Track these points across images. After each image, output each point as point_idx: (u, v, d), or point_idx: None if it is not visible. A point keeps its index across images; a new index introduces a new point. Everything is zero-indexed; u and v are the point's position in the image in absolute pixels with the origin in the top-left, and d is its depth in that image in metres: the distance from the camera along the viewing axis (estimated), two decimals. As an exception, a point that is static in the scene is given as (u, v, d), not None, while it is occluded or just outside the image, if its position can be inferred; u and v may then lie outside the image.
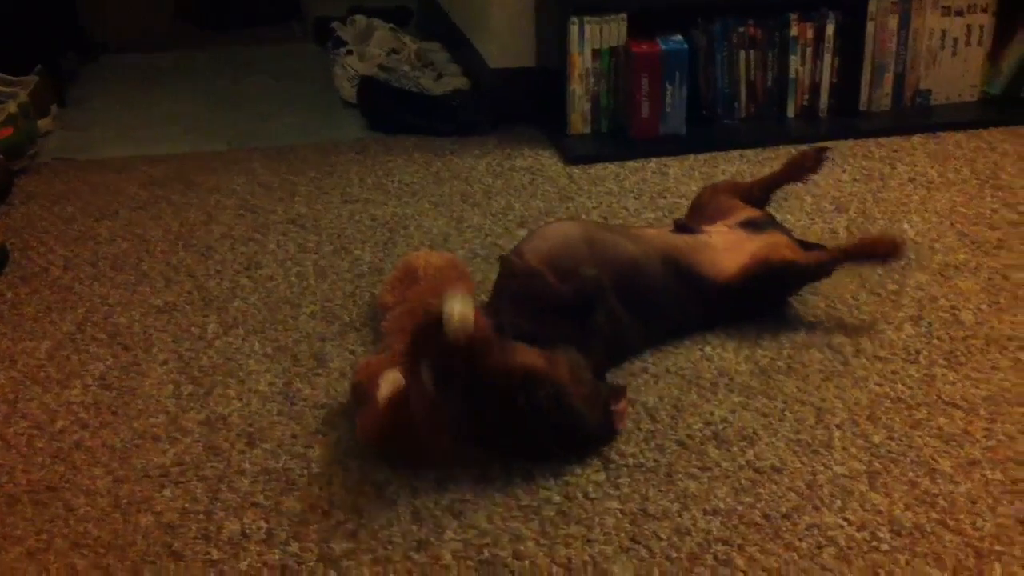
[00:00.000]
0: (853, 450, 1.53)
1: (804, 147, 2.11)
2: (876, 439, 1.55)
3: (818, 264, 1.87)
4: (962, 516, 1.40)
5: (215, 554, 1.37)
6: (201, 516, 1.44)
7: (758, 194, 2.04)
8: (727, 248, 1.85)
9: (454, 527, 1.40)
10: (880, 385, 1.68)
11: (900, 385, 1.68)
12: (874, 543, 1.35)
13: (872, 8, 2.75)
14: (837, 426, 1.58)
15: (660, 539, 1.37)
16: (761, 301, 1.86)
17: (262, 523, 1.42)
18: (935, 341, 1.80)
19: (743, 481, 1.48)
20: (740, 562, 1.33)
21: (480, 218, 2.31)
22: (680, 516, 1.41)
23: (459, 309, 1.42)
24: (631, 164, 2.58)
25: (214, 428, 1.63)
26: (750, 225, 1.91)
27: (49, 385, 1.76)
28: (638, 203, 2.37)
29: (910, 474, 1.48)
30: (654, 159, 2.60)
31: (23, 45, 3.09)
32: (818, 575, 1.31)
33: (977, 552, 1.33)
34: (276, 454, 1.56)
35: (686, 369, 1.74)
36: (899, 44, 2.80)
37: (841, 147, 2.62)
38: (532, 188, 2.47)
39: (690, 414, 1.62)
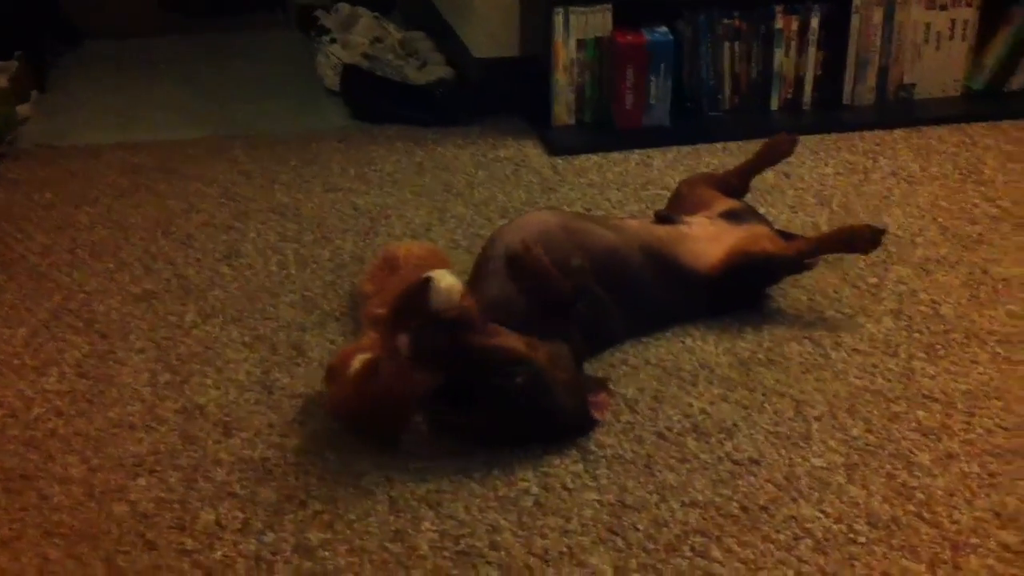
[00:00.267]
0: (832, 443, 1.53)
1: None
2: (855, 432, 1.55)
3: (797, 254, 1.87)
4: (939, 509, 1.40)
5: (190, 544, 1.37)
6: (176, 506, 1.43)
7: (736, 183, 2.04)
8: (707, 239, 1.85)
9: (431, 518, 1.40)
10: (859, 378, 1.68)
11: (879, 378, 1.68)
12: (851, 535, 1.36)
13: (857, 1, 2.74)
14: (816, 418, 1.58)
15: (638, 530, 1.37)
16: (742, 292, 1.86)
17: (238, 513, 1.42)
18: (915, 335, 1.80)
19: (721, 473, 1.47)
20: (717, 553, 1.33)
21: (463, 208, 2.30)
22: (658, 507, 1.41)
23: (448, 282, 1.45)
24: (615, 155, 2.57)
25: (190, 417, 1.62)
26: (730, 216, 1.91)
27: (24, 372, 1.74)
28: (621, 194, 2.36)
29: (888, 467, 1.48)
30: (638, 150, 2.59)
31: (2, 31, 3.05)
32: (795, 567, 1.31)
33: (953, 545, 1.34)
34: (253, 444, 1.55)
35: (666, 361, 1.73)
36: (883, 38, 2.80)
37: (824, 140, 2.62)
38: (515, 179, 2.46)
39: (670, 406, 1.62)
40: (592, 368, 1.69)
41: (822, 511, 1.40)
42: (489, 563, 1.33)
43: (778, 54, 2.76)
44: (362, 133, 2.76)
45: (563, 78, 2.70)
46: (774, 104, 2.81)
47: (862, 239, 1.85)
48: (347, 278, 2.01)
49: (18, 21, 3.19)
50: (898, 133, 2.66)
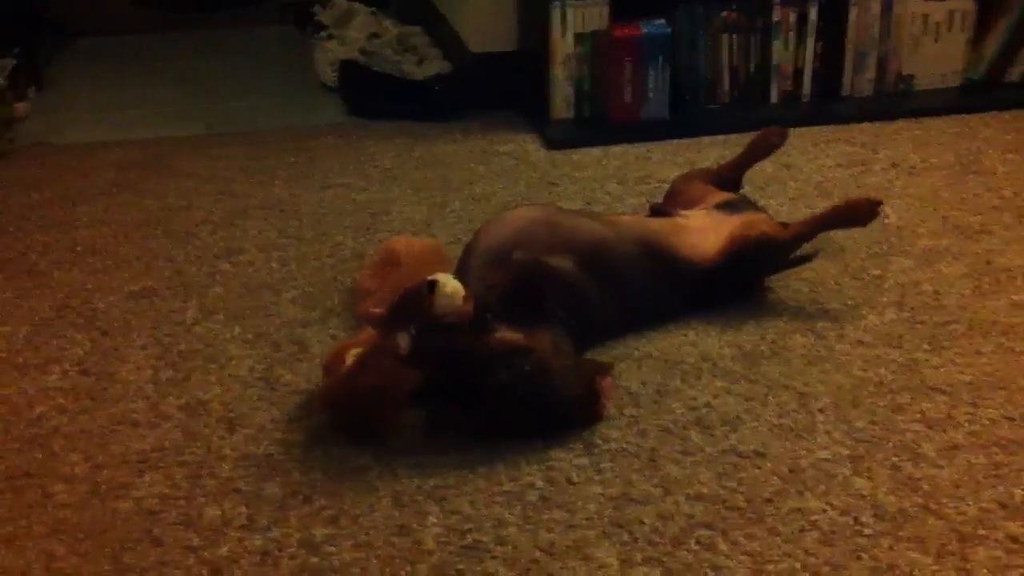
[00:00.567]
0: (836, 435, 1.53)
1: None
2: (859, 424, 1.55)
3: (797, 235, 1.87)
4: (945, 500, 1.40)
5: (195, 540, 1.36)
6: (181, 502, 1.43)
7: (729, 176, 2.04)
8: (705, 229, 1.85)
9: (436, 512, 1.40)
10: (863, 370, 1.68)
11: (883, 370, 1.68)
12: (857, 527, 1.35)
13: (855, -8, 2.75)
14: (820, 411, 1.58)
15: (643, 524, 1.37)
16: (743, 279, 1.85)
17: (243, 509, 1.41)
18: (918, 326, 1.80)
19: (726, 466, 1.47)
20: (723, 546, 1.33)
21: (461, 203, 2.30)
22: (663, 501, 1.41)
23: (452, 286, 1.47)
24: (613, 149, 2.57)
25: (194, 414, 1.61)
26: (726, 207, 1.91)
27: (27, 370, 1.74)
28: (620, 188, 2.36)
29: (893, 458, 1.48)
30: (636, 144, 2.59)
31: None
32: (801, 559, 1.31)
33: (960, 536, 1.33)
34: (257, 440, 1.55)
35: (669, 354, 1.73)
36: (882, 29, 2.80)
37: (824, 132, 2.62)
38: (514, 173, 2.46)
39: (673, 399, 1.62)
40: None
41: (828, 503, 1.39)
42: (495, 557, 1.32)
43: (776, 46, 2.76)
44: (360, 129, 2.75)
45: (561, 72, 2.70)
46: (773, 96, 2.81)
47: (861, 211, 1.84)
48: (348, 274, 2.01)
49: (14, 19, 3.18)
50: (898, 124, 2.66)
